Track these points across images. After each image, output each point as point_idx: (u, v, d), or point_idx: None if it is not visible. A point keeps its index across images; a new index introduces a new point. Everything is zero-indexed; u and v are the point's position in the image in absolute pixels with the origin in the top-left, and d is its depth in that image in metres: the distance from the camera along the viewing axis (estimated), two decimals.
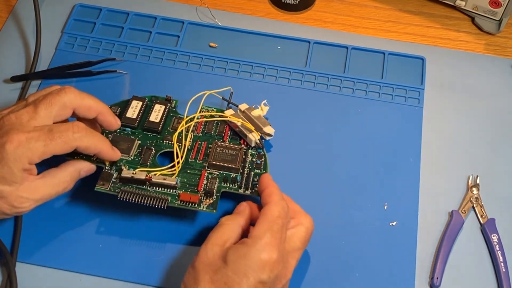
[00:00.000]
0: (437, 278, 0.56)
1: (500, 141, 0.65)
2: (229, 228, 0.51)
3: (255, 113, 0.62)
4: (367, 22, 0.75)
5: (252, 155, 0.60)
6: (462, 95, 0.68)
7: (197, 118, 0.61)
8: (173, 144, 0.59)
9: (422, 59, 0.71)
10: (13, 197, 0.50)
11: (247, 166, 0.59)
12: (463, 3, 0.73)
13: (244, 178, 0.58)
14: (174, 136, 0.59)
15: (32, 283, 0.55)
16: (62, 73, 0.68)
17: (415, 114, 0.66)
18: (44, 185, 0.52)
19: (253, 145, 0.60)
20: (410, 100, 0.67)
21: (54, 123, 0.52)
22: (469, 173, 0.63)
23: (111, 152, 0.55)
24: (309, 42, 0.72)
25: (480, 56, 0.72)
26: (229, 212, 0.55)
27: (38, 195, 0.52)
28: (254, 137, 0.60)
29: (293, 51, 0.71)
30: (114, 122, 0.57)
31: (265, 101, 0.63)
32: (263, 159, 0.60)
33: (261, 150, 0.60)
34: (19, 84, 0.68)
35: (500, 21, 0.72)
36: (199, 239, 0.58)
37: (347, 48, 0.71)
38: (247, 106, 0.63)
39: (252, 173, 0.58)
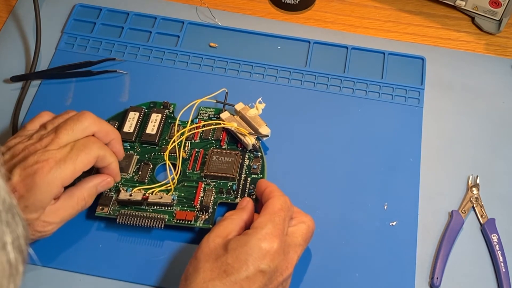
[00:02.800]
0: (437, 278, 0.56)
1: (500, 141, 0.65)
2: (233, 222, 0.51)
3: (251, 113, 0.62)
4: (367, 22, 0.75)
5: (249, 158, 0.60)
6: (462, 95, 0.68)
7: (188, 131, 0.62)
8: (166, 161, 0.59)
9: (422, 59, 0.71)
10: (37, 223, 0.51)
11: (244, 171, 0.59)
12: (463, 3, 0.73)
13: (241, 186, 0.58)
14: (165, 154, 0.60)
15: (32, 283, 0.55)
16: (62, 73, 0.68)
17: (415, 114, 0.66)
18: (63, 207, 0.53)
19: (250, 148, 0.60)
20: (410, 100, 0.67)
21: None
22: (469, 173, 0.63)
23: (118, 169, 0.57)
24: (309, 42, 0.72)
25: (480, 56, 0.72)
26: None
27: (59, 217, 0.53)
28: (248, 141, 0.60)
29: (293, 51, 0.71)
30: (122, 152, 0.59)
31: (260, 99, 0.62)
32: (260, 163, 0.60)
33: (258, 153, 0.61)
34: (19, 84, 0.68)
35: (500, 21, 0.72)
36: (199, 238, 0.57)
37: (347, 48, 0.71)
38: (243, 106, 0.63)
39: (249, 178, 0.59)
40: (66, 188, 0.53)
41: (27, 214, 0.50)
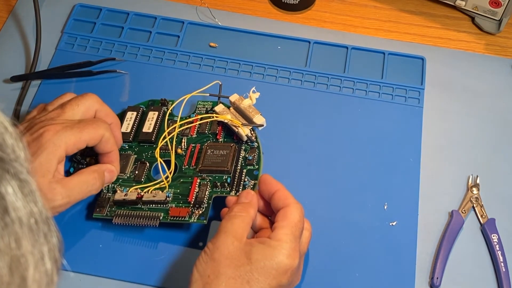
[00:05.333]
0: (437, 278, 0.56)
1: (500, 141, 0.65)
2: (244, 220, 0.51)
3: (245, 103, 0.61)
4: (367, 22, 0.75)
5: (246, 149, 0.60)
6: (462, 95, 0.68)
7: (180, 126, 0.62)
8: (158, 159, 0.59)
9: (422, 59, 0.70)
10: (46, 188, 0.51)
11: (239, 163, 0.59)
12: (463, 3, 0.73)
13: (236, 179, 0.58)
14: (156, 151, 0.59)
15: None
16: (62, 73, 0.69)
17: (415, 114, 0.66)
18: (72, 181, 0.54)
19: (245, 139, 0.60)
20: (410, 100, 0.67)
21: None
22: (469, 173, 0.63)
23: (118, 159, 0.58)
24: (309, 42, 0.72)
25: (480, 56, 0.72)
26: (219, 215, 0.55)
27: (68, 188, 0.53)
28: (241, 132, 0.60)
29: (293, 51, 0.71)
30: (120, 138, 0.60)
31: (253, 88, 0.62)
32: (255, 154, 0.59)
33: (254, 143, 0.60)
34: (19, 84, 0.68)
35: (500, 21, 0.72)
36: (199, 239, 0.58)
37: (347, 48, 0.71)
38: (237, 97, 0.62)
39: (245, 170, 0.58)
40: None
41: (35, 178, 0.51)
